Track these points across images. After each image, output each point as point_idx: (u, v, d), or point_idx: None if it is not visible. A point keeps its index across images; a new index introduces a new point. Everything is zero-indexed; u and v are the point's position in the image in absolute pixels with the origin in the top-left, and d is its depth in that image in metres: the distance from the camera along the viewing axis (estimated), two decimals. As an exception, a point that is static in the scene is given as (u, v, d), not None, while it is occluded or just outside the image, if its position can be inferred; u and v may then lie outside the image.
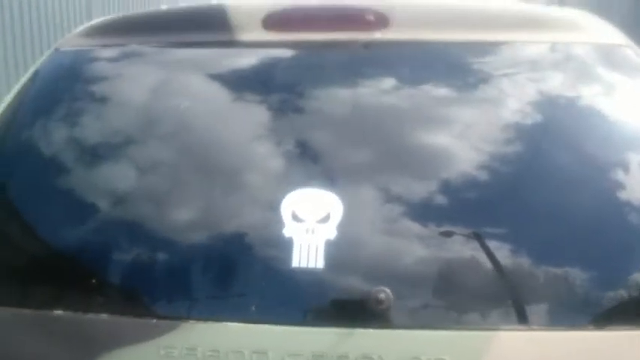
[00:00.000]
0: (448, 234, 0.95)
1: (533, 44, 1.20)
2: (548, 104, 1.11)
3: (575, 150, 1.07)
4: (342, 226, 0.94)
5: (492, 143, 1.05)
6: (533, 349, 0.89)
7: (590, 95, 1.16)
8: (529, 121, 1.09)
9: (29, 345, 0.96)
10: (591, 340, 0.90)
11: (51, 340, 0.96)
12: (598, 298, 0.93)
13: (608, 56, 1.21)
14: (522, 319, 0.91)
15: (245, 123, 1.11)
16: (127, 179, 1.05)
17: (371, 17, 1.18)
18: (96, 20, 1.43)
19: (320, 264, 0.92)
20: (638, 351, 0.89)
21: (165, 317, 0.93)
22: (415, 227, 0.96)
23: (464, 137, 1.06)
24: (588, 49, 1.21)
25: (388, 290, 0.89)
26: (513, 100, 1.11)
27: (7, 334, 0.97)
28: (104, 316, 0.95)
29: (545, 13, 1.34)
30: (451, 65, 1.20)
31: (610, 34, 1.27)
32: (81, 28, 1.39)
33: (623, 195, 0.99)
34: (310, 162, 1.05)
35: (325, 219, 0.95)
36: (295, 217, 0.95)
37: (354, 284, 0.93)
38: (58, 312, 0.96)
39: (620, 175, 1.03)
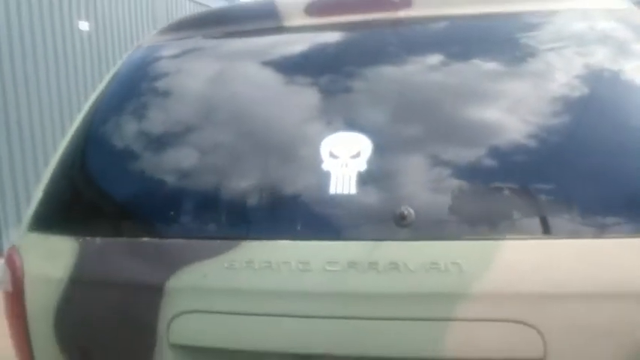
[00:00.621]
0: (460, 161, 1.12)
1: (552, 13, 1.36)
2: (569, 68, 1.26)
3: (582, 99, 1.21)
4: (369, 161, 1.13)
5: (492, 91, 1.23)
6: (536, 256, 1.04)
7: (604, 58, 1.30)
8: (545, 80, 1.24)
9: (124, 265, 1.20)
10: (589, 247, 1.04)
11: (140, 260, 1.20)
12: (594, 211, 1.07)
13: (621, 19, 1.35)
14: (527, 229, 1.06)
15: (295, 91, 1.36)
16: (202, 134, 1.30)
17: None
18: (169, 22, 1.72)
19: (352, 191, 1.12)
20: (632, 256, 1.02)
21: (227, 238, 1.15)
22: (429, 158, 1.14)
23: (464, 85, 1.24)
24: (603, 14, 1.35)
25: (410, 209, 1.07)
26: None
27: (106, 258, 1.22)
28: (180, 240, 1.18)
29: None
30: (467, 36, 1.38)
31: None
32: (157, 29, 1.68)
33: (614, 130, 1.14)
34: (345, 115, 1.25)
35: (356, 156, 1.15)
36: (332, 155, 1.15)
37: (381, 205, 1.11)
38: (144, 239, 1.20)
39: (617, 118, 1.17)
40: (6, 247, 4.35)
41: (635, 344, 1.01)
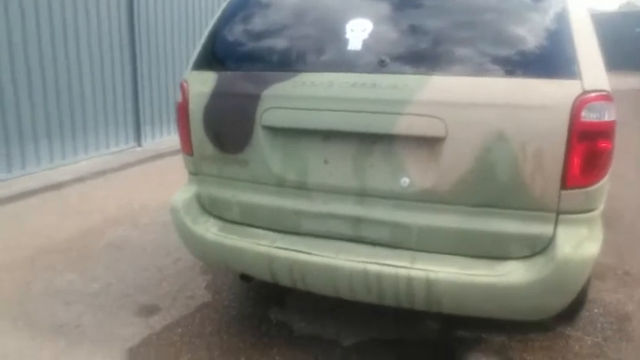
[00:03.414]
0: (411, 38, 2.07)
1: None
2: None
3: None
4: (369, 35, 2.10)
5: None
6: (447, 83, 1.97)
7: None
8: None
9: (240, 85, 2.27)
10: (475, 81, 1.95)
11: (248, 82, 2.26)
12: (479, 63, 1.97)
13: None
14: (444, 70, 1.97)
15: (335, 9, 2.28)
16: (285, 23, 2.31)
17: None
18: None
19: (359, 48, 2.10)
20: (496, 86, 1.92)
21: (293, 71, 2.18)
22: (397, 35, 2.09)
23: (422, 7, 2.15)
24: None
25: (386, 57, 2.05)
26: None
27: (231, 81, 2.31)
28: (269, 72, 2.23)
29: None
30: None
31: None
32: None
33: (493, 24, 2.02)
34: (360, 14, 2.19)
35: (363, 31, 2.12)
36: (351, 30, 2.13)
37: (372, 55, 2.08)
38: (251, 72, 2.27)
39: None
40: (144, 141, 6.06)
41: (496, 130, 1.92)
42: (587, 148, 1.88)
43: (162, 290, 3.10)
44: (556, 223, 1.96)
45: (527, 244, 1.98)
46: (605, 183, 1.99)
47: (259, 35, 2.36)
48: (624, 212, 4.51)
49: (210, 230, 2.38)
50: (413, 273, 1.99)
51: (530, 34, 1.97)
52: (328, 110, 2.10)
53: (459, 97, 1.94)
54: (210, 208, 2.49)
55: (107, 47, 6.34)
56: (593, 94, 1.87)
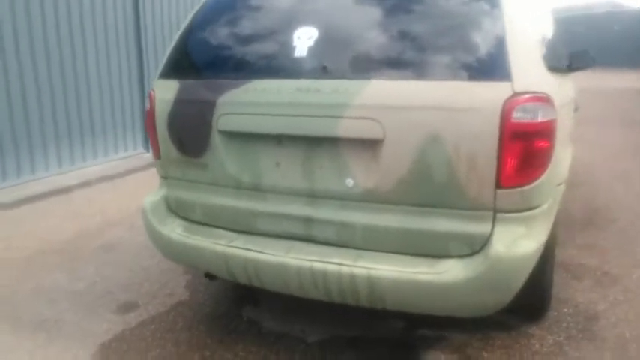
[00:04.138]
0: (350, 45, 2.14)
1: None
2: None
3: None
4: (314, 43, 2.19)
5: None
6: (384, 87, 2.03)
7: None
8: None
9: (199, 92, 2.39)
10: (411, 84, 2.01)
11: (206, 90, 2.37)
12: (417, 68, 2.03)
13: None
14: (381, 75, 2.04)
15: (285, 19, 2.35)
16: (240, 32, 2.42)
17: None
18: None
19: (305, 55, 2.19)
20: (431, 90, 1.98)
21: (245, 79, 2.28)
22: (338, 44, 2.16)
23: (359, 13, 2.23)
24: None
25: (328, 64, 2.13)
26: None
27: (191, 89, 2.42)
28: (225, 80, 2.33)
29: None
30: None
31: None
32: None
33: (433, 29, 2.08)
34: (306, 21, 2.27)
35: (309, 37, 2.20)
36: (298, 38, 2.22)
37: (316, 62, 2.16)
38: (209, 80, 2.37)
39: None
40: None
41: (431, 132, 1.98)
42: (521, 148, 1.93)
43: (143, 289, 3.23)
44: (493, 222, 2.01)
45: (467, 242, 2.03)
46: (544, 182, 2.03)
47: (216, 45, 2.48)
48: (619, 215, 4.48)
49: (175, 231, 2.50)
50: (356, 271, 2.06)
51: (463, 37, 2.03)
52: (277, 115, 2.20)
53: (395, 101, 2.01)
54: (176, 209, 2.61)
55: (114, 53, 6.57)
56: (524, 96, 1.91)
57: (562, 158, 2.44)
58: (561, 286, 3.15)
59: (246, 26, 2.42)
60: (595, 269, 3.40)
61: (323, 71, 2.14)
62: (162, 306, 3.01)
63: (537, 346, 2.58)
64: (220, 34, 2.48)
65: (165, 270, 3.45)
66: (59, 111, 5.88)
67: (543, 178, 2.01)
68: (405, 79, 2.03)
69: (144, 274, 3.44)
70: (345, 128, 2.08)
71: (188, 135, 2.44)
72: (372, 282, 2.04)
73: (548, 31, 2.70)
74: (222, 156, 2.37)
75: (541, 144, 1.96)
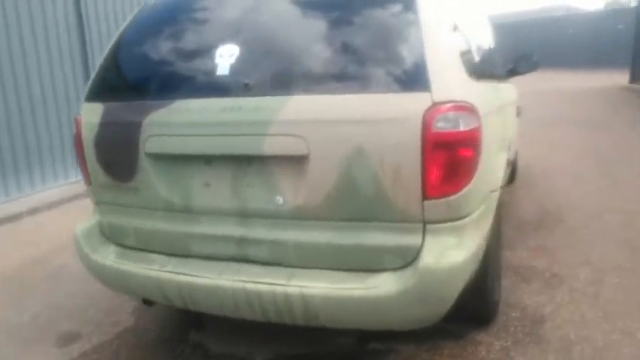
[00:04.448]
0: (271, 63, 2.11)
1: None
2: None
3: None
4: (236, 60, 2.15)
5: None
6: (306, 102, 2.00)
7: None
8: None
9: (124, 114, 2.33)
10: (332, 99, 1.98)
11: (132, 112, 2.31)
12: (336, 83, 2.00)
13: None
14: (303, 91, 2.00)
15: (206, 37, 2.33)
16: (161, 51, 2.36)
17: None
18: None
19: (226, 73, 2.14)
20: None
21: (170, 99, 2.22)
22: (259, 61, 2.12)
23: (279, 24, 2.20)
24: None
25: (249, 81, 2.10)
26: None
27: (116, 111, 2.36)
28: (150, 101, 2.28)
29: None
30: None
31: None
32: None
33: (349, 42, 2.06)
34: (228, 38, 2.22)
35: (231, 55, 2.17)
36: (220, 56, 2.18)
37: (238, 80, 2.12)
38: (133, 102, 2.32)
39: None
40: None
41: (355, 146, 1.95)
42: (444, 158, 1.92)
43: (87, 316, 3.13)
44: (424, 233, 2.00)
45: (400, 255, 2.01)
46: (472, 190, 2.02)
47: (140, 65, 2.43)
48: (570, 215, 4.55)
49: (108, 257, 2.42)
50: (289, 290, 2.02)
51: (382, 50, 2.02)
52: (202, 135, 2.15)
53: (318, 115, 1.99)
54: (110, 235, 2.53)
55: (60, 78, 6.43)
56: (444, 106, 1.91)
57: (494, 165, 2.45)
58: (511, 290, 3.16)
59: (170, 46, 2.38)
60: (544, 271, 3.42)
61: (245, 89, 2.10)
62: (106, 335, 2.92)
63: (484, 352, 2.58)
64: (145, 55, 2.43)
65: (112, 296, 3.35)
66: (2, 139, 5.71)
67: (471, 186, 2.01)
68: (326, 93, 2.01)
69: (89, 301, 3.33)
70: (270, 145, 2.05)
71: (116, 159, 2.38)
72: (305, 300, 2.00)
73: (475, 38, 2.72)
74: (151, 179, 2.31)
75: (465, 153, 1.96)
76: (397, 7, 2.11)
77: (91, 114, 2.43)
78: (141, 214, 2.39)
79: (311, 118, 1.99)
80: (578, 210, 4.63)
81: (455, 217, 2.01)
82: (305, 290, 2.00)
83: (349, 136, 1.95)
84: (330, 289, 1.99)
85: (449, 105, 1.92)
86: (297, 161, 2.04)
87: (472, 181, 2.01)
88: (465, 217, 2.04)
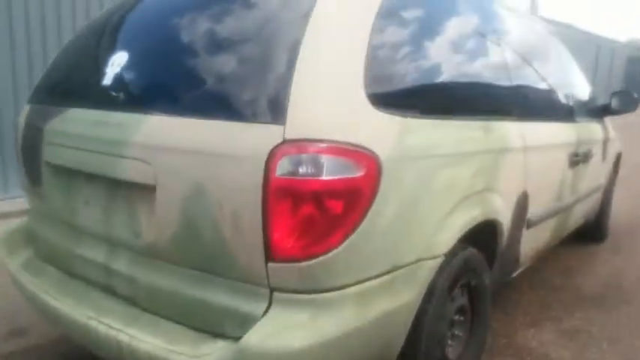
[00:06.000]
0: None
1: None
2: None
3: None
4: (121, 68, 1.92)
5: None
6: (158, 125, 1.70)
7: None
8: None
9: (35, 118, 2.23)
10: (184, 123, 1.65)
11: (38, 116, 2.20)
12: (212, 95, 1.66)
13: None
14: (159, 111, 1.72)
15: (109, 44, 2.14)
16: (78, 60, 2.23)
17: None
18: None
19: (110, 82, 1.93)
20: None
21: (64, 106, 2.07)
22: (136, 69, 1.88)
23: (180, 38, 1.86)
24: None
25: (120, 95, 1.85)
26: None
27: (35, 114, 2.26)
28: (52, 107, 2.14)
29: None
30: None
31: None
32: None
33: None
34: (123, 45, 2.04)
35: (118, 64, 1.94)
36: (112, 64, 1.97)
37: (113, 91, 1.89)
38: (41, 105, 2.21)
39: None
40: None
41: (195, 182, 1.58)
42: (293, 212, 1.50)
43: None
44: (270, 301, 1.59)
45: (238, 323, 1.62)
46: (344, 258, 1.56)
47: (58, 72, 2.37)
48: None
49: (15, 262, 2.35)
50: (121, 337, 1.74)
51: (247, 68, 1.64)
52: (79, 149, 1.96)
53: (165, 141, 1.68)
54: (30, 241, 2.46)
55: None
56: (299, 144, 1.49)
57: (426, 225, 1.87)
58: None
59: (79, 54, 2.28)
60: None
61: (114, 102, 1.87)
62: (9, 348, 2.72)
63: None
64: (64, 61, 2.37)
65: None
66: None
67: (340, 250, 1.54)
68: (180, 115, 1.69)
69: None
70: (122, 169, 1.79)
71: (30, 162, 2.30)
72: (132, 352, 1.71)
73: (409, 66, 1.96)
74: (48, 187, 2.18)
75: (330, 206, 1.51)
76: (290, 14, 1.71)
77: (23, 116, 2.40)
78: (45, 223, 2.28)
79: (159, 143, 1.70)
80: None
81: (313, 288, 1.56)
82: (133, 342, 1.71)
83: (190, 169, 1.62)
84: (158, 347, 1.67)
85: (306, 144, 1.49)
86: (147, 191, 1.75)
87: (343, 245, 1.54)
88: (330, 290, 1.58)
